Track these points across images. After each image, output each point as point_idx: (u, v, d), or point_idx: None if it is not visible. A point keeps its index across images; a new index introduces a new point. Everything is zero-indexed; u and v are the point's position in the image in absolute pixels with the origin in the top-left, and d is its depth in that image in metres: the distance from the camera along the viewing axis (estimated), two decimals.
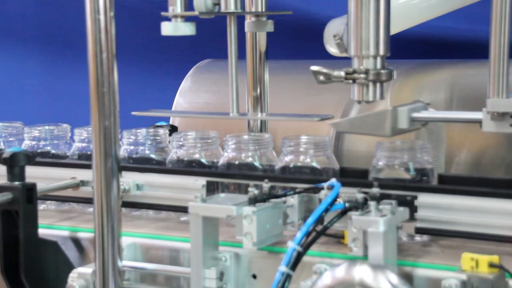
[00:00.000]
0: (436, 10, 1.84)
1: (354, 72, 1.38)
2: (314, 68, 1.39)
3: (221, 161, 1.56)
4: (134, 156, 1.64)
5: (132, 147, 1.65)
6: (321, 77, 1.39)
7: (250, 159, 1.54)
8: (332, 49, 1.68)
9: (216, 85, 2.15)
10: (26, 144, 1.76)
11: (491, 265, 1.15)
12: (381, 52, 1.37)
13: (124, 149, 1.65)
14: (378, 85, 1.39)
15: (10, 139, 1.83)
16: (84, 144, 1.71)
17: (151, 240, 1.47)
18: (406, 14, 1.77)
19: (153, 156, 1.65)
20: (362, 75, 1.37)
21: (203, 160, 1.59)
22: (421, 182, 1.39)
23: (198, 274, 1.32)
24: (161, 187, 1.55)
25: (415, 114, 1.38)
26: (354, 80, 1.38)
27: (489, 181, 1.40)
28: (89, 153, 1.66)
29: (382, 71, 1.38)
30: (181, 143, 1.60)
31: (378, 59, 1.38)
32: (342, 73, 1.38)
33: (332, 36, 1.54)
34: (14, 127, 1.84)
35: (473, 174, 1.68)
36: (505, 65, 1.27)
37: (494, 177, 1.47)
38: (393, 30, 1.49)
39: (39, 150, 1.74)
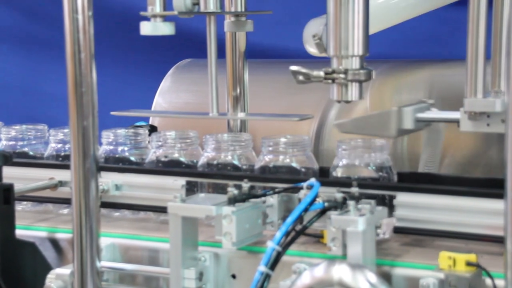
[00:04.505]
0: (415, 10, 1.84)
1: (333, 72, 1.38)
2: (293, 68, 1.39)
3: (201, 161, 1.56)
4: (113, 156, 1.64)
5: (111, 147, 1.64)
6: (300, 77, 1.39)
7: (229, 159, 1.54)
8: (312, 49, 1.69)
9: (196, 85, 2.15)
10: (4, 144, 1.75)
11: (468, 263, 1.16)
12: (360, 52, 1.38)
13: (103, 149, 1.65)
14: (357, 85, 1.39)
15: None
16: (60, 145, 1.70)
17: (130, 241, 1.46)
18: (385, 14, 1.78)
19: (132, 156, 1.64)
20: (341, 75, 1.37)
21: (183, 159, 1.59)
22: (383, 179, 1.41)
23: (177, 274, 1.31)
24: (140, 187, 1.55)
25: (420, 115, 1.36)
26: (333, 80, 1.38)
27: (467, 180, 1.41)
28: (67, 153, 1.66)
29: (361, 71, 1.38)
30: (160, 143, 1.60)
31: (357, 59, 1.38)
32: (321, 73, 1.38)
33: (311, 36, 1.54)
34: None
35: (451, 173, 1.68)
36: (481, 65, 1.28)
37: (471, 176, 1.47)
38: (372, 30, 1.49)
39: (16, 150, 1.73)
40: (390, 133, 1.34)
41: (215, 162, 1.55)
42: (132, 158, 1.64)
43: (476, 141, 1.92)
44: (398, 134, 1.35)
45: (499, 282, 1.11)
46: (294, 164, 1.49)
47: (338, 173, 1.44)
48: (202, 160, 1.56)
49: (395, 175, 1.44)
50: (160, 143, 1.60)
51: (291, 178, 1.45)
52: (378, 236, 1.27)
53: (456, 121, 1.31)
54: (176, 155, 1.60)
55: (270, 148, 1.49)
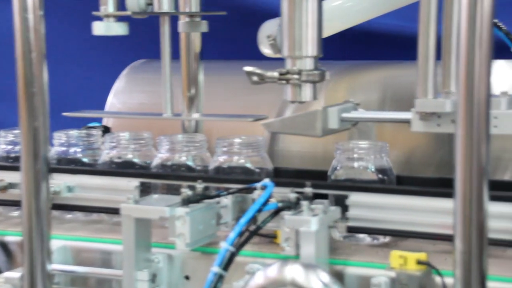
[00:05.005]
0: (368, 13, 1.86)
1: (287, 72, 1.39)
2: (247, 68, 1.39)
3: (155, 162, 1.55)
4: (65, 157, 1.62)
5: (63, 149, 1.62)
6: (255, 78, 1.40)
7: (183, 160, 1.54)
8: (266, 50, 1.69)
9: (151, 85, 2.13)
10: None
11: (419, 262, 1.17)
12: (314, 53, 1.39)
13: (55, 151, 1.62)
14: (311, 85, 1.40)
15: None
16: (10, 147, 1.67)
17: (82, 243, 1.45)
18: (339, 17, 1.79)
19: (85, 158, 1.62)
20: (295, 76, 1.38)
21: (136, 160, 1.58)
22: (383, 182, 1.38)
23: (130, 276, 1.30)
24: (93, 189, 1.53)
25: (345, 114, 1.40)
26: (287, 81, 1.39)
27: (419, 180, 1.43)
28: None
29: (315, 72, 1.39)
30: (114, 144, 1.58)
31: (311, 60, 1.39)
32: (276, 74, 1.39)
33: (265, 37, 1.55)
34: None
35: (403, 173, 1.70)
36: (432, 66, 1.30)
37: (423, 176, 1.50)
38: (327, 33, 1.50)
39: None
40: (315, 133, 1.37)
41: (169, 163, 1.54)
42: (85, 160, 1.62)
43: (429, 141, 1.95)
44: (324, 133, 1.37)
45: (449, 280, 1.12)
46: (248, 165, 1.50)
47: (337, 176, 1.41)
48: (156, 161, 1.55)
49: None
50: (113, 144, 1.58)
51: (245, 178, 1.45)
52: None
53: (407, 122, 1.33)
54: (129, 156, 1.58)
55: (225, 149, 1.49)
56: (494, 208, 1.09)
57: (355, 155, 1.40)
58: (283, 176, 1.52)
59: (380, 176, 1.40)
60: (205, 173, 1.51)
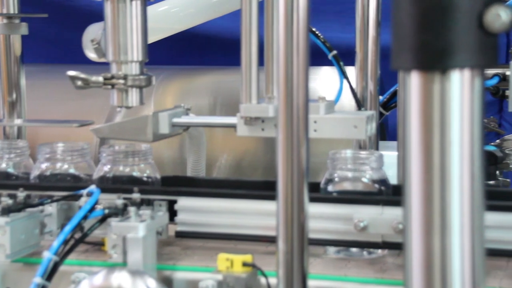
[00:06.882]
0: (194, 19, 1.89)
1: (113, 77, 1.36)
2: (71, 73, 1.35)
3: None
4: None
5: None
6: (79, 83, 1.36)
7: (4, 167, 1.47)
8: (91, 54, 1.66)
9: None
10: None
11: (245, 264, 1.19)
12: (140, 57, 1.38)
13: None
14: (137, 90, 1.39)
15: None
16: None
17: None
18: (165, 23, 1.80)
19: None
20: (121, 81, 1.36)
21: None
22: (381, 193, 1.31)
23: None
24: None
25: (176, 119, 1.40)
26: (113, 86, 1.37)
27: (246, 183, 1.46)
28: None
29: (141, 77, 1.38)
30: None
31: (137, 65, 1.38)
32: (101, 79, 1.36)
33: (90, 41, 1.52)
34: None
35: (230, 177, 1.74)
36: (254, 72, 1.33)
37: (250, 180, 1.53)
38: (152, 38, 1.50)
39: None
40: (146, 138, 1.36)
41: None
42: None
43: (257, 145, 2.00)
44: (155, 138, 1.37)
45: (273, 280, 1.15)
46: (72, 171, 1.45)
47: (331, 187, 1.32)
48: None
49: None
50: None
51: (71, 185, 1.41)
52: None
53: (233, 126, 1.36)
54: None
55: (47, 156, 1.44)
56: (313, 209, 1.14)
57: (349, 166, 1.32)
58: (111, 182, 1.49)
59: (376, 186, 1.31)
60: (27, 181, 1.45)
